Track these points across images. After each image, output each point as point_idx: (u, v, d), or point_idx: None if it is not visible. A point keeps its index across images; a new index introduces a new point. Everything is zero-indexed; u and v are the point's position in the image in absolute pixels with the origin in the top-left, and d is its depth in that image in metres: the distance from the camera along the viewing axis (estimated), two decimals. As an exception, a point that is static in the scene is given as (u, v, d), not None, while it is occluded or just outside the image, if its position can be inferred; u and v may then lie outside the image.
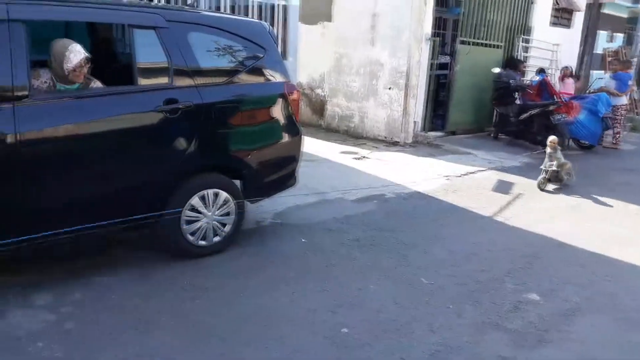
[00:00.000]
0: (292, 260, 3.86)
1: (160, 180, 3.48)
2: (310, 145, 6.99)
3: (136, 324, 2.92)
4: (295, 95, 4.14)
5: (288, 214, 4.83)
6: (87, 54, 3.18)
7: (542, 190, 6.20)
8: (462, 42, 9.03)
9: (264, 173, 4.06)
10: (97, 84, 3.32)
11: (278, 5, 6.99)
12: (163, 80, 3.44)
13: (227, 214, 3.84)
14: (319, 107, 9.61)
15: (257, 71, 3.92)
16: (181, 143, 3.51)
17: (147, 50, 3.38)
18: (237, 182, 3.97)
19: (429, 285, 3.61)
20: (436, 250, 4.24)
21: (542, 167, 6.39)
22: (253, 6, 6.67)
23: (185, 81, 3.49)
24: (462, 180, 6.48)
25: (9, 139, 2.83)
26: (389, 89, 8.47)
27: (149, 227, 3.62)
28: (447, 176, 6.55)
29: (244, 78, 3.83)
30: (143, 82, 3.36)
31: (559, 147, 6.44)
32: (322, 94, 9.54)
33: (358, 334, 2.96)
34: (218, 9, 6.41)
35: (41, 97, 3.03)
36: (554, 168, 6.29)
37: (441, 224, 4.89)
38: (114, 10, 3.47)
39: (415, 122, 8.60)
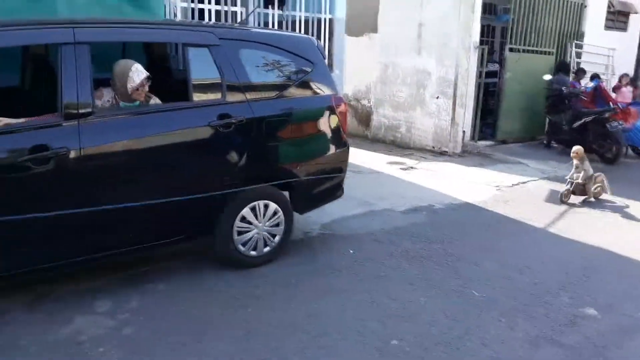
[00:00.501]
0: (340, 271, 3.89)
1: (213, 191, 3.59)
2: (356, 156, 7.04)
3: (191, 332, 3.02)
4: (342, 108, 4.19)
5: (335, 224, 4.87)
6: (148, 74, 3.34)
7: (564, 203, 5.76)
8: (512, 50, 8.87)
9: (313, 184, 4.12)
10: (155, 100, 3.48)
11: (324, 19, 7.08)
12: (216, 95, 3.56)
13: (277, 224, 3.92)
14: (365, 118, 9.64)
15: (306, 85, 4.00)
16: (233, 156, 3.62)
17: (201, 68, 3.52)
18: (286, 194, 4.05)
19: (481, 298, 3.56)
20: (487, 262, 4.17)
21: (567, 177, 5.96)
22: (300, 21, 6.79)
23: (237, 96, 3.60)
24: (513, 190, 6.34)
25: (73, 154, 3.01)
26: (437, 98, 8.42)
27: (202, 238, 3.74)
28: (497, 186, 6.43)
29: (293, 92, 3.91)
30: (197, 98, 3.50)
31: (586, 158, 5.93)
32: (368, 104, 9.58)
33: (409, 346, 2.96)
34: (266, 24, 6.56)
35: (104, 114, 3.20)
36: (579, 181, 5.79)
37: (492, 236, 4.81)
38: (169, 30, 3.64)
39: (464, 131, 8.49)
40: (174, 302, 3.34)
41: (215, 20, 5.94)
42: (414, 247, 4.39)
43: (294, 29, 6.63)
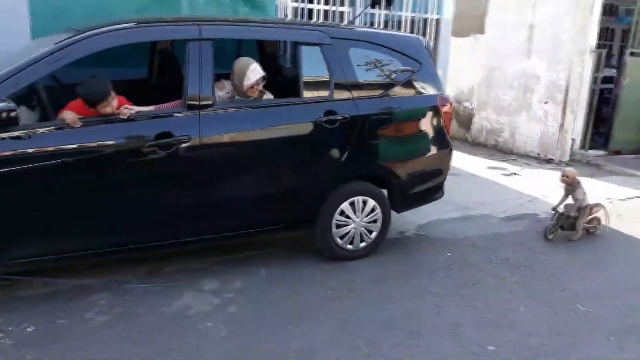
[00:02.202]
0: (437, 273, 3.86)
1: (316, 185, 3.72)
2: (456, 158, 6.87)
3: (290, 316, 3.16)
4: (447, 108, 4.14)
5: (432, 226, 4.82)
6: (264, 74, 3.52)
7: (547, 240, 4.58)
8: (633, 54, 8.21)
9: (412, 184, 4.12)
10: (268, 95, 3.66)
11: (431, 19, 7.01)
12: (324, 93, 3.68)
13: (374, 221, 3.96)
14: (466, 121, 9.40)
15: (412, 84, 4.00)
16: (336, 152, 3.72)
17: (311, 65, 3.64)
18: (385, 192, 4.07)
19: (587, 313, 3.38)
20: (595, 277, 3.93)
21: (553, 208, 4.78)
22: (406, 21, 6.77)
23: (344, 94, 3.70)
24: (626, 204, 5.90)
25: (193, 142, 3.24)
26: (545, 103, 8.02)
27: (302, 228, 3.88)
28: (609, 199, 6.01)
29: (399, 91, 3.93)
30: (306, 94, 3.63)
31: (580, 184, 4.66)
32: (470, 107, 9.33)
33: (506, 353, 2.89)
34: (372, 24, 6.61)
35: (222, 106, 3.42)
36: (571, 213, 4.58)
37: (601, 250, 4.52)
38: (285, 29, 3.81)
39: (573, 139, 8.02)
40: (274, 287, 3.50)
41: (323, 19, 6.10)
42: (515, 256, 4.24)
43: (399, 29, 6.63)
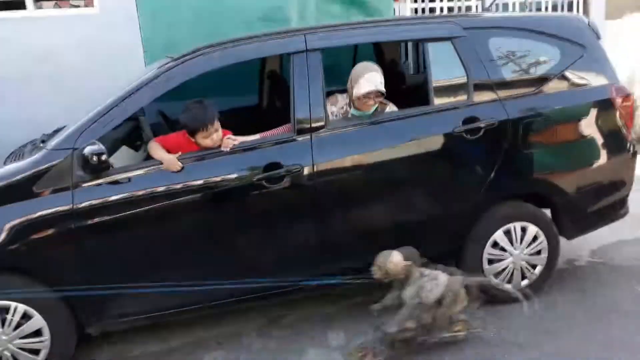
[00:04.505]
0: (627, 314, 2.97)
1: (458, 211, 3.02)
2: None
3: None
4: (626, 101, 3.23)
5: (611, 252, 3.83)
6: (381, 89, 2.93)
7: None
8: None
9: (584, 201, 3.25)
10: (392, 107, 3.06)
11: (577, 0, 5.95)
12: (461, 96, 2.99)
13: (538, 252, 3.15)
14: (628, 116, 7.98)
15: (575, 74, 3.16)
16: (482, 167, 3.00)
17: (442, 65, 2.99)
18: (548, 213, 3.25)
19: None
20: None
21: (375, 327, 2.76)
22: (547, 5, 5.80)
23: (487, 95, 2.98)
24: None
25: (307, 170, 2.75)
26: None
27: (445, 265, 3.17)
28: None
29: (558, 84, 3.12)
30: (438, 101, 2.97)
31: (414, 270, 2.66)
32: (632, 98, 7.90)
33: None
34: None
35: (336, 125, 2.88)
36: (392, 330, 2.60)
37: None
38: (406, 26, 3.19)
39: None
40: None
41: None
42: None
43: (540, 16, 5.69)
